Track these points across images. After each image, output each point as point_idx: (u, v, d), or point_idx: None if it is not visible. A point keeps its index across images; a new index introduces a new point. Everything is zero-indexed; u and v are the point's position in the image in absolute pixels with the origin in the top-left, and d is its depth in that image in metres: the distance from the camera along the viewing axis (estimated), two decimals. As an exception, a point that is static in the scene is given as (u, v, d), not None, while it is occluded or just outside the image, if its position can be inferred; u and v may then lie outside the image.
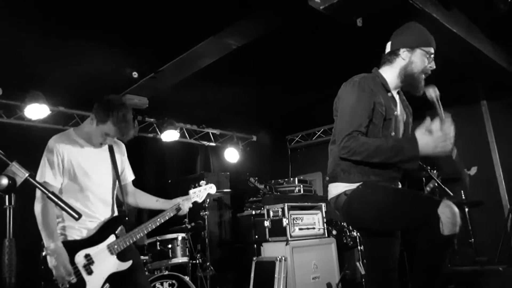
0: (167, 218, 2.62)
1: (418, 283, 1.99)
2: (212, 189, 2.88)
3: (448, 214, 1.83)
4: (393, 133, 2.17)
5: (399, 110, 2.25)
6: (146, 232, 2.53)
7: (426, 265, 1.94)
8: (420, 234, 1.94)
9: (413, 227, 2.00)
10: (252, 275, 4.74)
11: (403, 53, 2.15)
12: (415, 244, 1.96)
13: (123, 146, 2.76)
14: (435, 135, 1.86)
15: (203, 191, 2.83)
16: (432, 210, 1.86)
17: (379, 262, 2.20)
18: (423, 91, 2.14)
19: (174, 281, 4.00)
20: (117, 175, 2.60)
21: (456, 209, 1.85)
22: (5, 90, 4.61)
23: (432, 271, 1.93)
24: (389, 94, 2.20)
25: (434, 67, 2.16)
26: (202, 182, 2.88)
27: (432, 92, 2.07)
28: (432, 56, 2.15)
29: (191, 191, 2.80)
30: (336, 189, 2.17)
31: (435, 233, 1.84)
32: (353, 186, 2.10)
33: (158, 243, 4.22)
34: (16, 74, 4.41)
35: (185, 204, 2.67)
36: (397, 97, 2.28)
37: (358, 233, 4.83)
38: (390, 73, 2.21)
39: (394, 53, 2.18)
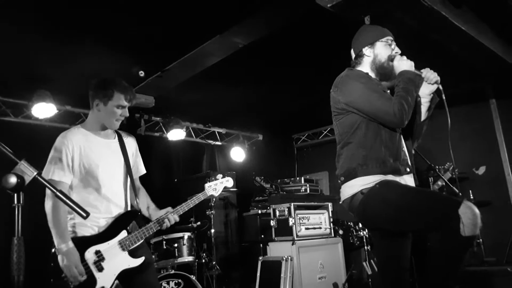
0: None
1: (431, 283, 1.95)
2: (229, 182, 2.81)
3: (470, 215, 1.80)
4: None
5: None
6: (159, 228, 2.48)
7: (443, 266, 1.91)
8: (438, 234, 1.91)
9: (432, 228, 1.97)
10: (258, 274, 4.73)
11: (366, 50, 2.29)
12: (429, 244, 1.93)
13: (134, 139, 2.73)
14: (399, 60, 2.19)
15: (219, 185, 2.78)
16: (453, 211, 1.83)
17: (392, 263, 2.17)
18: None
19: (180, 280, 4.00)
20: (128, 168, 2.56)
21: (477, 210, 1.83)
22: (12, 89, 4.64)
23: (447, 272, 1.90)
24: (376, 81, 2.27)
25: (399, 51, 2.27)
26: (219, 176, 2.80)
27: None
28: (393, 42, 2.28)
29: (207, 185, 2.75)
30: (352, 188, 2.13)
31: (454, 234, 1.81)
32: (370, 184, 2.07)
33: (164, 242, 4.23)
34: (23, 74, 4.43)
35: (170, 218, 2.52)
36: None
37: (369, 233, 4.79)
38: (364, 71, 2.30)
39: (359, 55, 2.33)
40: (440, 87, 2.16)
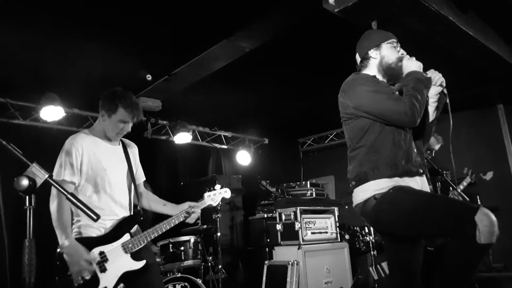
0: (177, 223, 2.60)
1: None
2: (227, 193, 2.88)
3: (486, 223, 1.75)
4: None
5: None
6: (160, 233, 2.53)
7: (456, 273, 1.87)
8: (452, 241, 1.87)
9: (447, 234, 1.92)
10: (264, 278, 4.72)
11: (372, 53, 2.27)
12: (442, 250, 1.90)
13: (136, 147, 2.80)
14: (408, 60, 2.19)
15: (218, 195, 2.84)
16: (469, 217, 1.78)
17: (403, 268, 2.14)
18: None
19: (186, 284, 4.01)
20: (131, 174, 2.63)
21: (494, 218, 1.77)
22: (21, 92, 4.68)
23: (460, 279, 1.87)
24: (384, 83, 2.26)
25: (405, 52, 2.27)
26: (217, 186, 2.86)
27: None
28: (398, 44, 2.29)
29: (206, 195, 2.80)
30: (365, 193, 2.10)
31: (469, 241, 1.76)
32: (384, 189, 2.04)
33: (170, 245, 4.24)
34: (32, 76, 4.47)
35: (193, 213, 2.65)
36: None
37: (381, 237, 4.76)
38: (371, 74, 2.28)
39: (365, 58, 2.31)
40: (445, 90, 2.16)
